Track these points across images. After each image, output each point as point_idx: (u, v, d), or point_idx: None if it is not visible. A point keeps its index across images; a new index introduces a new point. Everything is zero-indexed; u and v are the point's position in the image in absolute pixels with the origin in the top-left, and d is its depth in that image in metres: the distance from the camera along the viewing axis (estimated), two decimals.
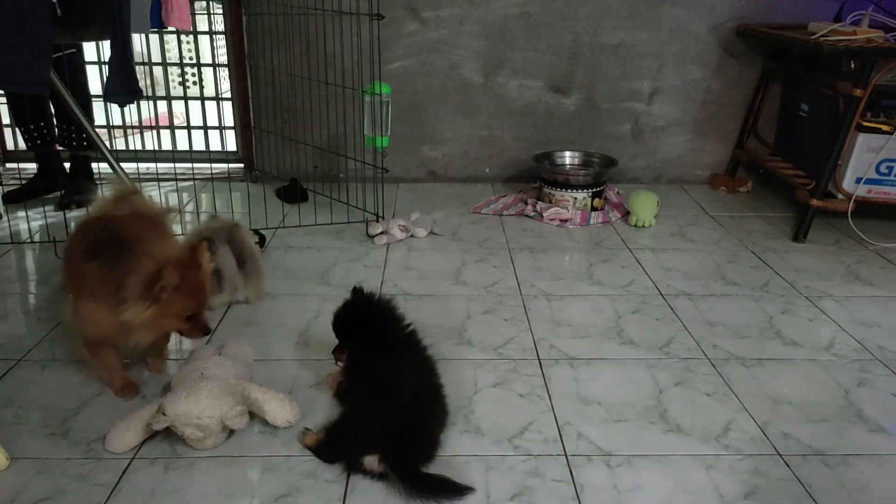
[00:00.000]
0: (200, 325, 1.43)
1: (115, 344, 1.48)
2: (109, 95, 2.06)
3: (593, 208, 2.72)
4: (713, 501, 1.27)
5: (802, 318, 1.96)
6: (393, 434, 1.27)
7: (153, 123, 3.31)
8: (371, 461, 1.27)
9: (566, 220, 2.67)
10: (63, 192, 2.69)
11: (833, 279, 2.22)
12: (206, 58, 3.23)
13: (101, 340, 1.46)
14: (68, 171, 2.78)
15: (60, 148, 2.71)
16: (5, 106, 3.01)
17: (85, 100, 2.61)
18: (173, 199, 2.86)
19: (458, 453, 1.38)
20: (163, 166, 3.11)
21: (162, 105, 3.31)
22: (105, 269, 1.34)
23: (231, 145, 3.25)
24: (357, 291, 1.50)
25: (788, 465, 1.37)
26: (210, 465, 1.34)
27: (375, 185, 2.63)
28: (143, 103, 3.24)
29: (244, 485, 1.29)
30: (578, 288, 2.12)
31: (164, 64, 3.18)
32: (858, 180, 2.46)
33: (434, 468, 1.31)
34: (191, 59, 3.29)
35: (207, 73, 3.39)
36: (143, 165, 3.07)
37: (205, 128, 3.21)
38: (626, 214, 2.72)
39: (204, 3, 3.03)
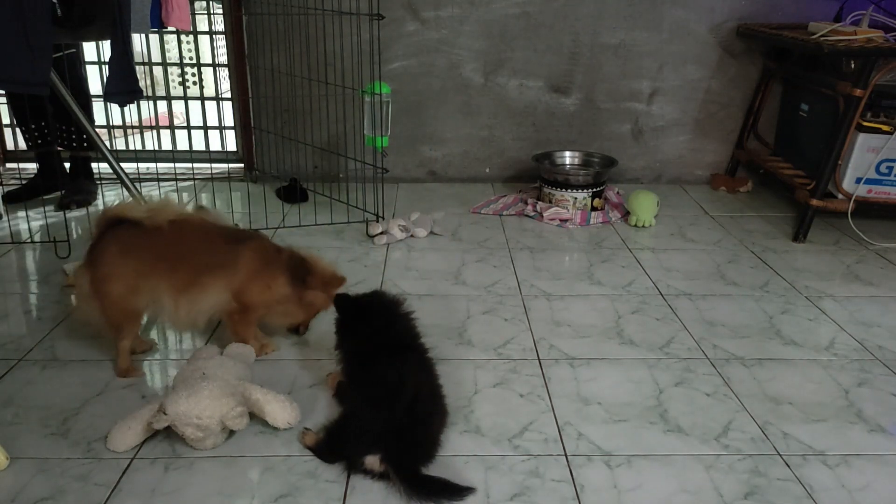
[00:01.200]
0: (308, 325, 1.78)
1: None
2: (109, 95, 2.06)
3: (593, 208, 2.72)
4: (713, 501, 1.27)
5: (802, 318, 1.96)
6: (394, 434, 1.27)
7: (153, 123, 3.31)
8: (372, 461, 1.27)
9: (566, 220, 2.67)
10: (63, 192, 2.69)
11: (833, 279, 2.22)
12: (206, 58, 3.23)
13: (258, 311, 1.66)
14: (68, 171, 2.78)
15: (59, 148, 2.71)
16: (5, 106, 3.02)
17: (85, 100, 2.61)
18: (173, 200, 2.86)
19: (458, 453, 1.38)
20: (163, 166, 3.11)
21: (162, 105, 3.31)
22: (292, 260, 1.67)
23: (231, 145, 3.25)
24: (377, 295, 1.52)
25: (788, 465, 1.37)
26: (210, 465, 1.34)
27: (375, 185, 2.63)
28: (143, 103, 3.24)
29: (244, 485, 1.29)
30: (578, 288, 2.12)
31: (164, 64, 3.18)
32: (858, 180, 2.46)
33: (434, 468, 1.31)
34: (191, 59, 3.28)
35: (207, 73, 3.38)
36: (143, 165, 3.07)
37: (205, 128, 3.21)
38: (626, 214, 2.72)
39: (204, 3, 3.03)
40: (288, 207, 2.77)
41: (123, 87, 2.05)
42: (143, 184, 2.85)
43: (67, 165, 2.78)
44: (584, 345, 1.79)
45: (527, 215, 2.74)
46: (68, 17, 2.01)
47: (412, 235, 2.48)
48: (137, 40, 2.68)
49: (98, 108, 2.81)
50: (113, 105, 2.22)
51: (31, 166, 2.95)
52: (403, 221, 2.46)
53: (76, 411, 1.49)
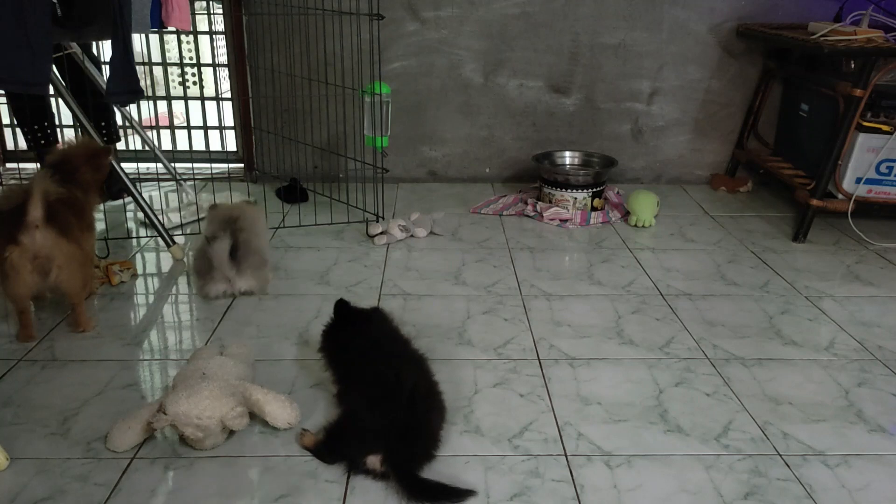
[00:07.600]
0: None
1: None
2: (111, 95, 2.06)
3: (593, 208, 2.72)
4: (713, 501, 1.27)
5: (802, 318, 1.96)
6: (396, 433, 1.27)
7: (153, 123, 3.31)
8: (374, 461, 1.27)
9: (566, 220, 2.67)
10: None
11: (833, 279, 2.22)
12: (206, 58, 3.23)
13: None
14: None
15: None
16: (5, 106, 3.01)
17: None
18: (173, 200, 2.86)
19: (458, 453, 1.38)
20: (162, 166, 3.10)
21: (162, 105, 3.31)
22: None
23: (231, 145, 3.25)
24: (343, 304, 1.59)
25: (788, 465, 1.37)
26: (210, 465, 1.34)
27: (375, 185, 2.63)
28: (143, 103, 3.24)
29: (244, 485, 1.29)
30: (578, 288, 2.12)
31: (164, 64, 3.18)
32: (858, 180, 2.46)
33: (434, 468, 1.31)
34: (191, 59, 3.28)
35: (207, 73, 3.39)
36: (143, 165, 3.08)
37: (205, 128, 3.21)
38: (626, 214, 2.72)
39: (204, 3, 3.03)
40: (288, 207, 2.77)
41: (124, 86, 2.05)
42: (143, 184, 2.85)
43: None
44: (584, 345, 1.79)
45: (527, 215, 2.75)
46: (68, 17, 2.01)
47: (412, 235, 2.48)
48: (137, 40, 2.68)
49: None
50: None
51: (32, 166, 2.95)
52: (403, 221, 2.46)
53: (76, 411, 1.49)
